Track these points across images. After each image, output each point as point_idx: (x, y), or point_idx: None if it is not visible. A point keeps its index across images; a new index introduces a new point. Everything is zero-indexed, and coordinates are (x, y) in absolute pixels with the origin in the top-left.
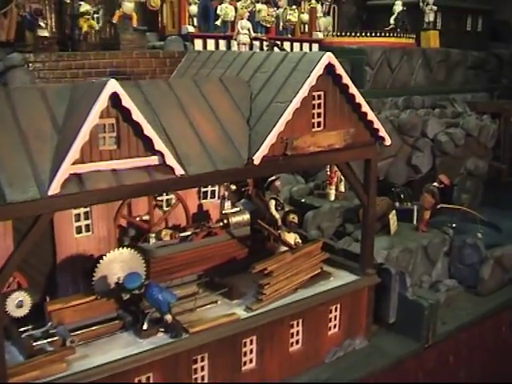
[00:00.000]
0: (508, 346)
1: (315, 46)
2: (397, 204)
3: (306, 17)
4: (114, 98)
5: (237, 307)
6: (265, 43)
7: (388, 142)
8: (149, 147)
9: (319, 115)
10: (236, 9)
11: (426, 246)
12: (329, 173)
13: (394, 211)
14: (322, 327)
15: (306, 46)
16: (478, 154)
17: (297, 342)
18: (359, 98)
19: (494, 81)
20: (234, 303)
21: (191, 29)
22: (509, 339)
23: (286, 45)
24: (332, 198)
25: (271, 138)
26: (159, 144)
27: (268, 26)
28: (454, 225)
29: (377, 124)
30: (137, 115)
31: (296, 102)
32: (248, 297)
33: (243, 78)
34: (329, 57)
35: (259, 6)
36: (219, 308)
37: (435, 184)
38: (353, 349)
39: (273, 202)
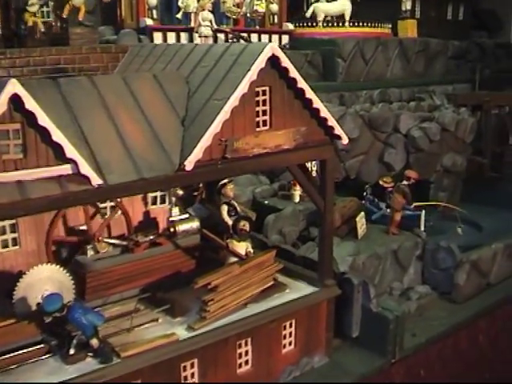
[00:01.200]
0: (485, 356)
1: (285, 38)
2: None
3: (275, 7)
4: (16, 101)
5: (179, 326)
6: (229, 36)
7: (345, 140)
8: (60, 155)
9: (264, 113)
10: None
11: (396, 251)
12: None
13: (362, 213)
14: (275, 345)
15: (275, 37)
16: (456, 150)
17: (246, 362)
18: (310, 93)
19: (476, 71)
20: (176, 321)
21: (150, 21)
22: (486, 349)
23: (254, 37)
24: (297, 199)
25: (205, 140)
26: (71, 151)
27: (233, 17)
28: (431, 223)
29: (331, 121)
30: (43, 119)
31: (234, 100)
32: (192, 314)
33: (182, 73)
34: (272, 48)
35: None
36: (159, 327)
37: (405, 182)
38: (311, 367)
39: (225, 208)
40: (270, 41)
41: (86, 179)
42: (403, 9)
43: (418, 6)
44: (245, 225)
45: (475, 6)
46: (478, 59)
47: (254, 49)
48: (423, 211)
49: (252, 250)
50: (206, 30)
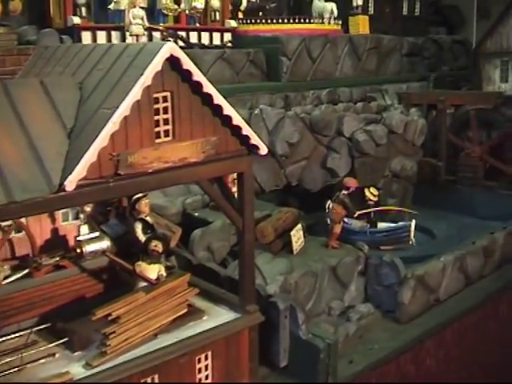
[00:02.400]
0: (433, 379)
1: (227, 36)
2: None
3: (216, 3)
4: None
5: (77, 362)
6: (164, 34)
7: (263, 151)
8: None
9: (166, 122)
10: None
11: (335, 267)
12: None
13: (299, 226)
14: (187, 381)
15: (216, 35)
16: (405, 153)
17: None
18: (219, 99)
19: (433, 69)
20: (75, 356)
21: (77, 20)
22: (434, 372)
23: (193, 35)
24: None
25: (90, 156)
26: None
27: (170, 14)
28: None
29: (246, 130)
30: None
31: (125, 109)
32: (94, 347)
33: (78, 77)
34: (170, 48)
35: None
36: (55, 363)
37: (344, 192)
38: None
39: (139, 225)
40: (211, 39)
41: None
42: (354, 4)
43: (372, 2)
44: (157, 245)
45: (437, 1)
46: (434, 56)
47: (150, 49)
48: (413, 221)
49: (165, 274)
50: (137, 29)
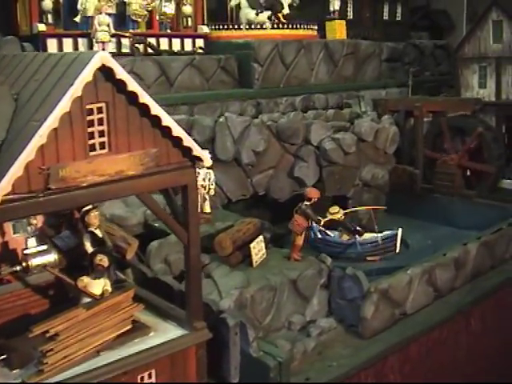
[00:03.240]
0: None
1: (199, 42)
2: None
3: (188, 9)
4: None
5: (15, 379)
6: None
7: (208, 163)
8: None
9: (102, 134)
10: None
11: (296, 280)
12: None
13: (260, 237)
14: None
15: (188, 41)
16: (376, 162)
17: None
18: (156, 110)
19: (414, 75)
20: (13, 374)
21: (42, 27)
22: None
23: (164, 42)
24: None
25: (15, 170)
26: None
27: (138, 20)
28: None
29: (187, 141)
30: None
31: (52, 121)
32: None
33: (16, 88)
34: (102, 58)
35: None
36: None
37: (306, 203)
38: None
39: (88, 238)
40: (182, 46)
41: None
42: (331, 9)
43: (351, 6)
44: (102, 259)
45: (426, 6)
46: (415, 61)
47: (83, 59)
48: (400, 229)
49: (110, 289)
50: (103, 35)
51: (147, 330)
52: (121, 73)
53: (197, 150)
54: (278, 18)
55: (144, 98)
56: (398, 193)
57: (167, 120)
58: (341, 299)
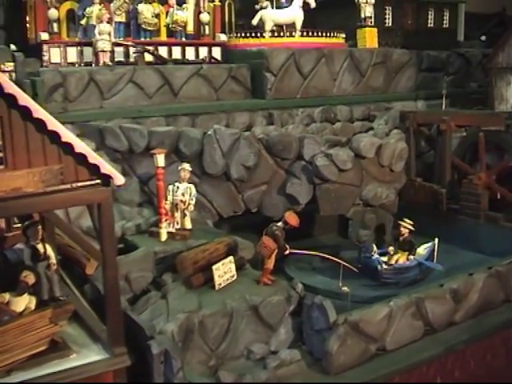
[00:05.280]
0: None
1: (216, 50)
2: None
3: (205, 17)
4: None
5: None
6: (132, 50)
7: (119, 181)
8: None
9: None
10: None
11: (258, 306)
12: (162, 205)
13: (229, 258)
14: None
15: (203, 50)
16: (381, 180)
17: None
18: (53, 125)
19: (459, 85)
20: None
21: (45, 36)
22: None
23: (177, 50)
24: (164, 237)
25: None
26: None
27: (149, 28)
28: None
29: (92, 158)
30: None
31: None
32: None
33: None
34: None
35: (141, 6)
36: None
37: (279, 224)
38: None
39: (28, 252)
40: (197, 54)
41: None
42: (362, 15)
43: (390, 13)
44: (27, 276)
45: (501, 12)
46: (460, 72)
47: None
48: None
49: (33, 307)
50: (104, 44)
51: (68, 352)
52: (10, 87)
53: (105, 168)
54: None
55: (38, 112)
56: (422, 213)
57: (67, 136)
58: (310, 329)
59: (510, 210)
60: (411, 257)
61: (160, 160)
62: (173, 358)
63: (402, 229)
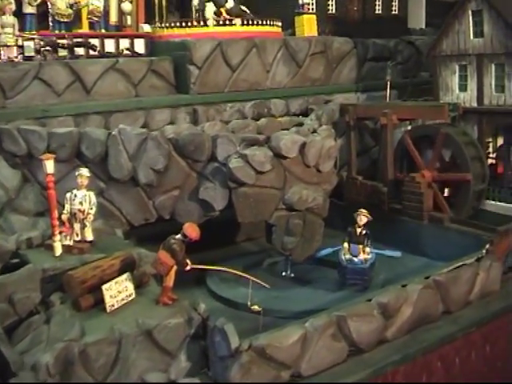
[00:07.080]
0: None
1: (139, 42)
2: None
3: (127, 6)
4: None
5: None
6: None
7: None
8: None
9: None
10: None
11: (152, 330)
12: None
13: (125, 276)
14: None
15: (124, 42)
16: (307, 181)
17: None
18: None
19: (409, 75)
20: None
21: None
22: None
23: (95, 43)
24: (58, 252)
25: None
26: None
27: (62, 20)
28: None
29: None
30: None
31: None
32: None
33: None
34: None
35: None
36: None
37: (179, 237)
38: None
39: None
40: (118, 46)
41: None
42: (299, 2)
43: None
44: None
45: None
46: (409, 61)
47: None
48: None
49: None
50: (7, 38)
51: None
52: None
53: None
54: (221, 14)
55: None
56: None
57: None
58: (214, 355)
59: (459, 208)
60: (367, 249)
61: (49, 166)
62: None
63: (362, 217)
